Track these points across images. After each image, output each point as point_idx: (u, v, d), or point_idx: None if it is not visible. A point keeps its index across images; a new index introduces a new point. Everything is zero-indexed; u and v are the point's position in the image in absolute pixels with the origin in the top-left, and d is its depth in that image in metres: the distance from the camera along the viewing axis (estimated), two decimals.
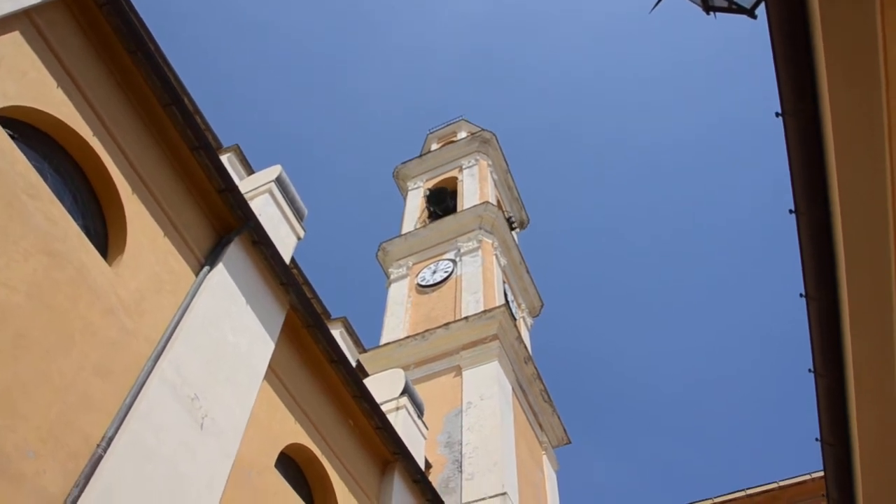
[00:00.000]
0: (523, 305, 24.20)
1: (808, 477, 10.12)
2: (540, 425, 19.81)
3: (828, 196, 4.86)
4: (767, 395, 56.40)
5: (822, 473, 6.82)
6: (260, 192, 10.00)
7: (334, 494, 9.08)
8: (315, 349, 9.31)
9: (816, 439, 6.47)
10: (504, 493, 14.23)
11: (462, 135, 30.26)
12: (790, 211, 5.10)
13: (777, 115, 4.64)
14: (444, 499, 11.86)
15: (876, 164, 4.55)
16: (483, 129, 28.54)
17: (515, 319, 21.44)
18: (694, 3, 4.29)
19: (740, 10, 4.15)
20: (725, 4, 4.17)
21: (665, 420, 58.46)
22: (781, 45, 4.27)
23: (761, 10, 4.20)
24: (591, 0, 64.62)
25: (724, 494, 10.61)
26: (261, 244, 8.53)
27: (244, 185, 10.23)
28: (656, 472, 55.91)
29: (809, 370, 6.06)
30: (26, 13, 6.26)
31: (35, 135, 6.37)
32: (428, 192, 26.68)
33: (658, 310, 61.84)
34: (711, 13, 4.27)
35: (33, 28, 6.34)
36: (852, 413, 5.90)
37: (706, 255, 60.47)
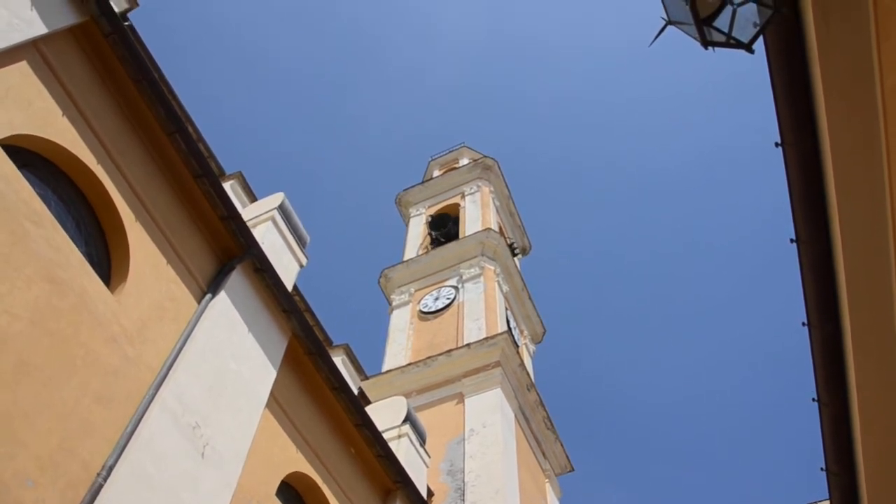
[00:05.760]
0: (526, 332, 24.12)
1: None
2: (543, 453, 19.65)
3: (828, 225, 4.88)
4: (773, 422, 55.99)
5: (827, 502, 6.77)
6: (262, 219, 10.04)
7: None
8: (317, 377, 9.27)
9: (822, 468, 6.43)
10: None
11: (464, 161, 30.38)
12: (791, 240, 5.12)
13: (777, 145, 4.68)
14: None
15: (876, 192, 4.58)
16: (485, 156, 28.65)
17: (518, 346, 21.36)
18: (692, 37, 4.34)
19: (738, 44, 4.20)
20: (723, 39, 4.22)
21: (669, 448, 57.98)
22: (780, 79, 4.32)
23: (759, 45, 4.25)
24: (591, 28, 65.28)
25: None
26: (263, 271, 8.54)
27: (247, 212, 10.27)
28: (660, 501, 55.33)
29: (813, 399, 6.04)
30: (34, 43, 6.35)
31: (40, 162, 6.43)
32: (430, 219, 26.72)
33: (661, 337, 61.65)
34: (710, 48, 4.32)
35: (40, 58, 6.43)
36: (857, 442, 5.87)
37: (708, 282, 60.41)
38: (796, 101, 4.36)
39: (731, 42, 4.19)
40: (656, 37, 4.68)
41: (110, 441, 5.82)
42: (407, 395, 17.20)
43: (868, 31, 3.94)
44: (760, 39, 4.27)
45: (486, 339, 18.20)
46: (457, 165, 30.32)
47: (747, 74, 51.42)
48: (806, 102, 4.36)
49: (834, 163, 4.49)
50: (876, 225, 4.68)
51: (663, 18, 4.58)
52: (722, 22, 4.19)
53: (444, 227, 26.13)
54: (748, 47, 4.18)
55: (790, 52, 4.19)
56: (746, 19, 4.11)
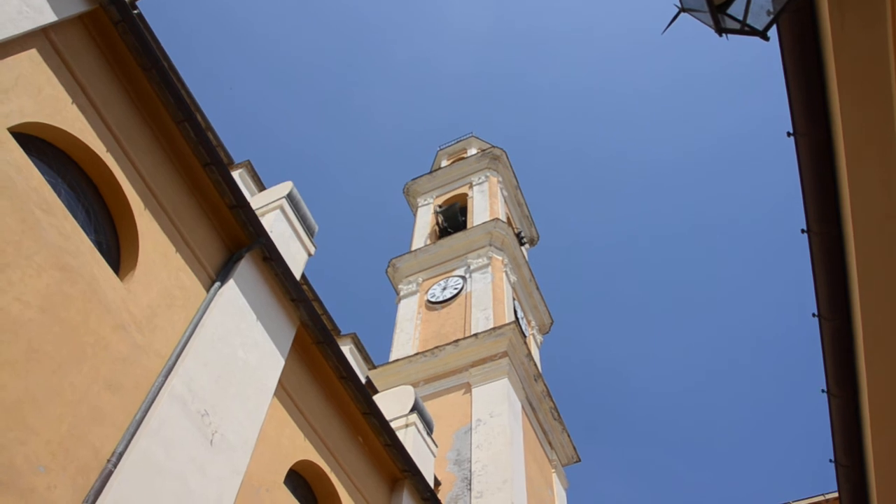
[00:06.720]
0: (533, 322, 24.12)
1: (821, 498, 10.00)
2: (549, 443, 19.68)
3: (840, 215, 4.84)
4: (782, 413, 55.91)
5: (836, 494, 6.76)
6: (271, 208, 10.04)
7: None
8: (325, 365, 9.30)
9: (830, 460, 6.41)
10: None
11: (472, 151, 30.33)
12: (802, 230, 5.08)
13: (789, 134, 4.64)
14: None
15: (889, 183, 4.54)
16: (493, 146, 28.58)
17: (525, 336, 21.37)
18: (706, 24, 4.30)
19: (753, 31, 4.16)
20: (738, 26, 4.18)
21: (676, 439, 58.03)
22: (793, 67, 4.28)
23: (773, 32, 4.21)
24: (601, 18, 64.93)
25: None
26: (271, 260, 8.55)
27: (255, 201, 10.28)
28: (667, 492, 55.41)
29: (823, 390, 6.02)
30: (44, 31, 6.34)
31: (50, 150, 6.43)
32: (438, 209, 26.71)
33: (669, 328, 61.58)
34: (724, 34, 4.28)
35: (50, 45, 6.43)
36: (867, 434, 5.85)
37: (718, 273, 60.22)
38: (810, 89, 4.32)
39: (746, 29, 4.15)
40: (669, 24, 4.64)
41: (120, 428, 5.85)
42: (414, 385, 17.27)
43: (884, 19, 3.90)
44: (774, 27, 4.23)
45: (494, 329, 18.21)
46: (465, 155, 30.28)
47: (759, 64, 51.12)
48: (819, 91, 4.32)
49: (846, 153, 4.45)
50: (889, 215, 4.65)
51: (677, 6, 4.55)
52: (736, 9, 4.15)
53: (452, 217, 26.11)
54: (763, 34, 4.14)
55: (804, 39, 4.15)
56: (761, 7, 4.07)
